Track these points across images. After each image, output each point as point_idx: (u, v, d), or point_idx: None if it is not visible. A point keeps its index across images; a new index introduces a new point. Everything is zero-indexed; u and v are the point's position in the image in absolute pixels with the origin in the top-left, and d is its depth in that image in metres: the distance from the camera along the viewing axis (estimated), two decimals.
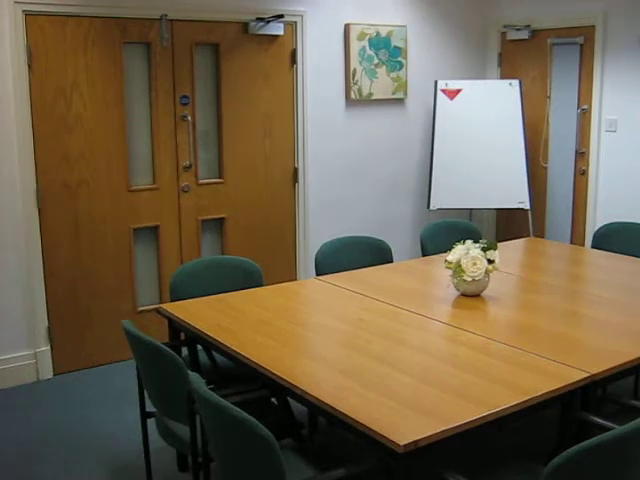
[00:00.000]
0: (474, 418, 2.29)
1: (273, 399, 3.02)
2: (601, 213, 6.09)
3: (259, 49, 5.49)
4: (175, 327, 3.42)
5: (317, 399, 2.44)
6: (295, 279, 5.76)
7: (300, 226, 5.86)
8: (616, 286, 3.82)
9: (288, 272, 5.83)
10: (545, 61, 6.39)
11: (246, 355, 2.84)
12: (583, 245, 6.11)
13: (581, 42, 6.06)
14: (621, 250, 4.68)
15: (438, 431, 2.20)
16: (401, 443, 2.12)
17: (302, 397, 2.53)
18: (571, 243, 6.31)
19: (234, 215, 5.56)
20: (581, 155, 6.23)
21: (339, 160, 6.02)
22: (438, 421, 2.25)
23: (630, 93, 5.77)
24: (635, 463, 2.12)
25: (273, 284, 3.89)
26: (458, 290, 3.62)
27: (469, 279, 3.52)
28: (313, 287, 3.84)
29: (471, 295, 3.61)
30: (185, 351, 3.51)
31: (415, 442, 2.14)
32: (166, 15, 5.03)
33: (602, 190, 6.08)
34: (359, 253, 4.40)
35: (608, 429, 2.44)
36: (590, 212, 6.17)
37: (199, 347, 3.44)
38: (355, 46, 5.85)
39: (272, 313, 3.35)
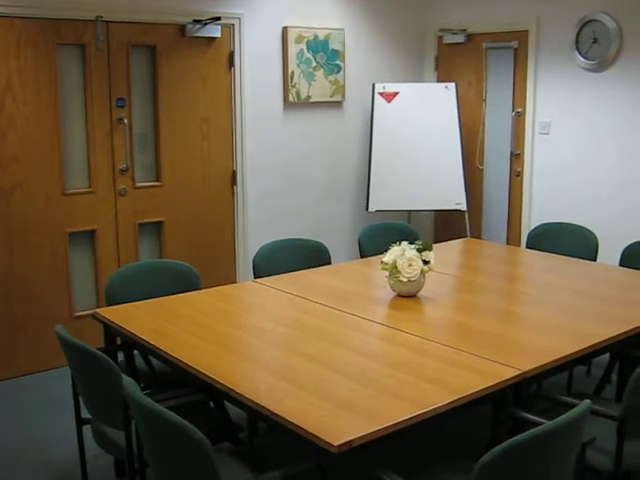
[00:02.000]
0: (408, 417, 2.31)
1: (211, 403, 3.01)
2: (535, 214, 6.22)
3: (196, 51, 5.46)
4: (111, 332, 3.38)
5: (253, 402, 2.45)
6: (235, 282, 5.75)
7: (239, 229, 5.85)
8: (549, 285, 3.90)
9: (227, 275, 5.81)
10: (480, 65, 6.50)
11: (182, 359, 2.82)
12: (519, 245, 6.23)
13: (515, 46, 6.18)
14: (554, 250, 4.79)
15: (372, 431, 2.22)
16: (335, 443, 2.13)
17: (238, 400, 2.53)
18: (507, 243, 6.43)
19: (172, 218, 5.52)
20: (516, 157, 6.35)
21: (278, 163, 6.03)
22: (372, 421, 2.28)
23: (562, 96, 5.91)
24: (561, 457, 2.18)
25: (212, 287, 3.87)
26: (394, 291, 3.66)
27: (405, 280, 3.56)
28: (251, 290, 3.84)
29: (407, 296, 3.65)
30: (122, 356, 3.48)
31: (349, 442, 2.16)
32: (101, 16, 4.97)
33: (536, 191, 6.21)
34: (297, 255, 4.41)
35: (539, 425, 2.50)
36: (525, 213, 6.30)
37: (136, 352, 3.41)
38: (293, 49, 5.87)
39: (209, 316, 3.34)
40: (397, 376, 2.65)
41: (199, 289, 3.85)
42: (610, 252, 4.87)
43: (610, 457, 2.71)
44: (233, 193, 5.82)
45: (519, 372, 2.70)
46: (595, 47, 5.60)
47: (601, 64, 5.58)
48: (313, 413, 2.33)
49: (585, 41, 5.66)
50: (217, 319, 3.30)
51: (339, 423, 2.27)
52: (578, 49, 5.70)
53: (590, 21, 5.61)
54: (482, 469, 1.98)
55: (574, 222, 5.02)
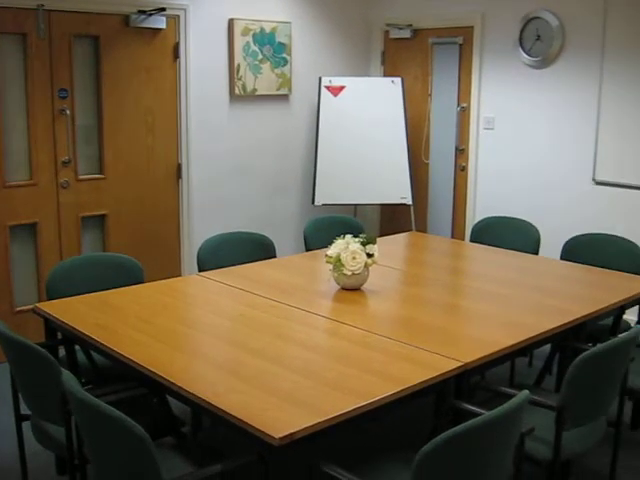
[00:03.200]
0: (350, 409, 2.32)
1: (154, 398, 2.98)
2: (480, 208, 6.29)
3: (141, 42, 5.39)
4: (51, 327, 3.32)
5: (195, 396, 2.43)
6: (180, 276, 5.70)
7: (184, 222, 5.80)
8: (492, 278, 3.95)
9: (172, 269, 5.76)
10: (426, 60, 6.55)
11: (124, 354, 2.79)
12: (463, 239, 6.30)
13: (460, 42, 6.24)
14: (497, 243, 4.85)
15: (314, 423, 2.22)
16: (276, 436, 2.13)
17: (180, 394, 2.51)
18: (452, 237, 6.49)
19: (116, 211, 5.45)
20: (461, 152, 6.41)
21: (224, 156, 5.99)
22: (314, 413, 2.28)
23: (507, 92, 5.99)
24: (500, 447, 2.21)
25: (156, 281, 3.83)
26: (338, 284, 3.67)
27: (349, 273, 3.57)
28: (195, 283, 3.81)
29: (351, 289, 3.66)
30: (63, 351, 3.42)
31: (291, 435, 2.16)
32: (43, 5, 4.87)
33: (480, 185, 6.29)
34: (242, 249, 4.39)
35: (479, 415, 2.53)
36: (469, 207, 6.37)
37: (77, 347, 3.36)
38: (239, 41, 5.83)
39: (152, 310, 3.30)
40: (340, 369, 2.65)
41: (143, 283, 3.81)
42: (552, 246, 4.95)
43: (549, 447, 2.76)
44: (178, 186, 5.76)
45: (460, 364, 2.73)
46: (538, 44, 5.68)
47: (544, 61, 5.67)
48: (255, 406, 2.33)
49: (529, 38, 5.74)
50: (161, 313, 3.27)
51: (281, 416, 2.27)
52: (522, 46, 5.78)
53: (534, 18, 5.69)
54: (423, 459, 2.00)
55: (517, 216, 5.09)
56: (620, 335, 2.81)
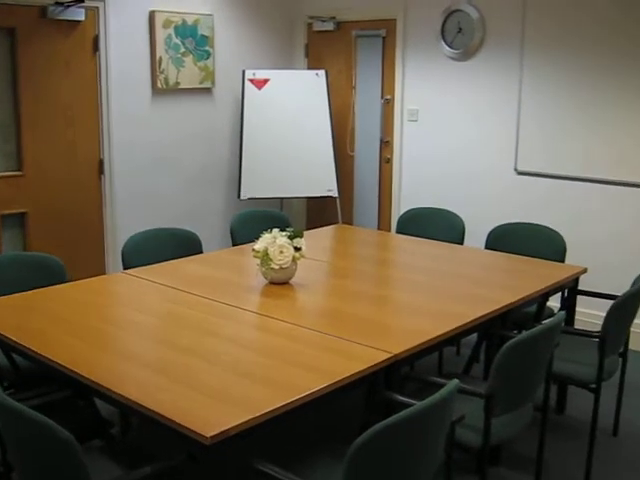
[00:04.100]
0: (281, 404, 2.31)
1: (80, 400, 2.91)
2: (405, 199, 6.35)
3: (59, 35, 5.25)
4: None
5: (123, 397, 2.37)
6: (104, 274, 5.58)
7: (107, 219, 5.68)
8: (418, 269, 3.99)
9: (96, 267, 5.64)
10: (350, 52, 6.57)
11: (47, 355, 2.70)
12: (389, 230, 6.35)
13: (383, 35, 6.28)
14: (423, 234, 4.90)
15: (245, 420, 2.19)
16: (208, 435, 2.10)
17: (107, 396, 2.45)
18: (378, 229, 6.54)
19: (36, 209, 5.30)
20: (386, 144, 6.45)
21: (147, 150, 5.89)
22: (245, 410, 2.25)
23: (430, 84, 6.05)
24: (431, 436, 2.23)
25: (80, 280, 3.73)
26: (266, 278, 3.65)
27: (277, 267, 3.55)
28: (120, 281, 3.73)
29: (279, 283, 3.64)
30: None
31: (222, 432, 2.13)
32: None
33: (405, 177, 6.34)
34: (168, 245, 4.32)
35: (409, 406, 2.54)
36: (395, 198, 6.42)
37: None
38: (161, 34, 5.73)
39: (76, 310, 3.22)
40: (270, 364, 2.63)
41: (66, 282, 3.71)
42: (476, 235, 5.03)
43: (479, 433, 2.79)
44: (100, 182, 5.64)
45: (390, 355, 2.74)
46: (460, 37, 5.75)
47: (466, 53, 5.75)
48: (186, 405, 2.29)
49: (450, 30, 5.81)
50: (85, 313, 3.19)
51: (212, 414, 2.23)
52: (444, 38, 5.84)
53: (455, 11, 5.76)
54: (355, 452, 2.00)
55: (442, 207, 5.16)
56: (545, 321, 2.87)
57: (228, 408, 2.28)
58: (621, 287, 4.29)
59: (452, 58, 5.85)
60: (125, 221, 5.77)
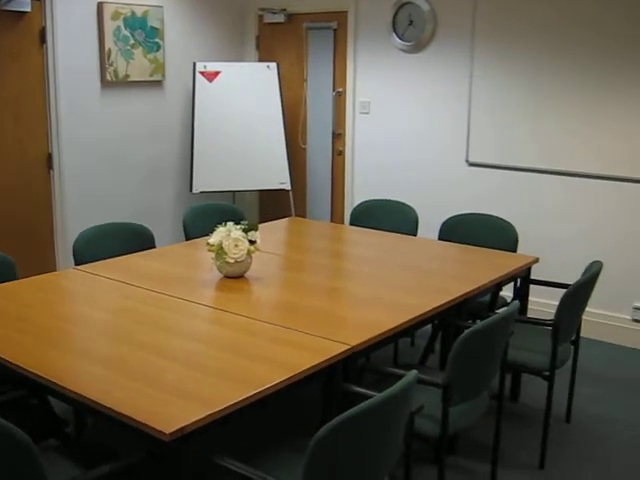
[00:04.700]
0: (240, 399, 2.29)
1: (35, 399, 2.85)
2: (358, 192, 6.36)
3: (4, 27, 5.13)
4: None
5: (79, 395, 2.33)
6: (55, 270, 5.49)
7: (57, 214, 5.58)
8: (373, 261, 4.00)
9: (46, 264, 5.54)
10: (301, 45, 6.54)
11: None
12: (343, 222, 6.35)
13: (335, 27, 6.27)
14: (377, 226, 4.92)
15: (204, 415, 2.17)
16: (167, 431, 2.07)
17: (63, 394, 2.40)
18: (331, 221, 6.54)
19: None
20: (338, 136, 6.46)
21: (97, 144, 5.80)
22: (203, 405, 2.23)
23: (381, 76, 6.06)
24: (392, 427, 2.23)
25: (30, 277, 3.65)
26: (221, 272, 3.62)
27: (231, 261, 3.52)
28: (72, 278, 3.67)
29: (234, 277, 3.62)
30: None
31: (181, 429, 2.10)
32: None
33: (358, 170, 6.35)
34: (120, 240, 4.26)
35: (368, 397, 2.55)
36: (348, 191, 6.43)
37: None
38: (109, 26, 5.64)
39: (28, 307, 3.15)
40: (227, 358, 2.61)
41: (15, 279, 3.63)
42: (429, 227, 5.06)
43: (437, 423, 2.81)
44: (49, 176, 5.53)
45: (347, 347, 2.74)
46: (411, 29, 5.77)
47: (417, 45, 5.77)
48: (143, 402, 2.26)
49: (402, 23, 5.82)
50: (37, 310, 3.12)
51: (170, 410, 2.20)
52: (395, 31, 5.86)
53: (406, 3, 5.77)
54: (316, 444, 1.99)
55: (395, 199, 5.18)
56: (500, 311, 2.89)
57: (186, 404, 2.25)
58: (571, 276, 4.36)
59: (403, 50, 5.87)
60: (76, 217, 5.67)
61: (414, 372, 2.27)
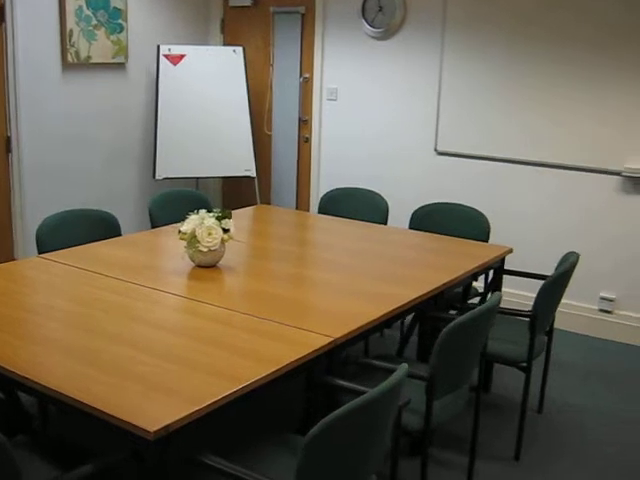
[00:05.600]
0: (225, 394, 2.19)
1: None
2: (324, 179, 6.28)
3: None
4: None
5: (54, 391, 2.20)
6: (13, 259, 5.30)
7: (15, 200, 5.38)
8: (347, 250, 3.92)
9: (4, 251, 5.35)
10: (268, 29, 6.42)
11: None
12: (308, 210, 6.27)
13: (302, 12, 6.16)
14: (345, 214, 4.84)
15: (189, 412, 2.07)
16: (151, 429, 1.96)
17: (34, 390, 2.28)
18: (297, 209, 6.45)
19: None
20: (304, 123, 6.36)
21: (58, 127, 5.61)
22: (188, 401, 2.13)
23: (349, 63, 5.97)
24: (384, 421, 2.16)
25: None
26: (193, 261, 3.50)
27: (205, 249, 3.41)
28: (36, 266, 3.52)
29: (207, 266, 3.51)
30: None
31: (166, 427, 2.00)
32: None
33: (324, 157, 6.26)
34: (85, 227, 4.11)
35: (354, 391, 2.48)
36: (314, 178, 6.34)
37: None
38: (71, 5, 5.44)
39: None
40: (207, 351, 2.51)
41: None
42: (397, 216, 5.00)
43: (420, 417, 2.75)
44: (8, 161, 5.34)
45: (331, 339, 2.66)
46: (380, 15, 5.69)
47: (387, 32, 5.70)
48: (123, 398, 2.14)
49: (371, 9, 5.74)
50: (1, 300, 2.98)
51: (152, 407, 2.10)
52: (365, 17, 5.77)
53: None
54: (311, 442, 1.91)
55: (362, 187, 5.10)
56: (487, 302, 2.84)
57: (168, 400, 2.15)
58: (541, 267, 4.35)
59: (373, 37, 5.79)
60: (35, 203, 5.48)
61: (405, 366, 2.20)
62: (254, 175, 6.18)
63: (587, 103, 4.97)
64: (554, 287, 3.44)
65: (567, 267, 3.44)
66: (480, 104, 5.38)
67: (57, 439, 2.56)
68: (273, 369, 2.39)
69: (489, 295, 4.22)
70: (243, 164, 6.15)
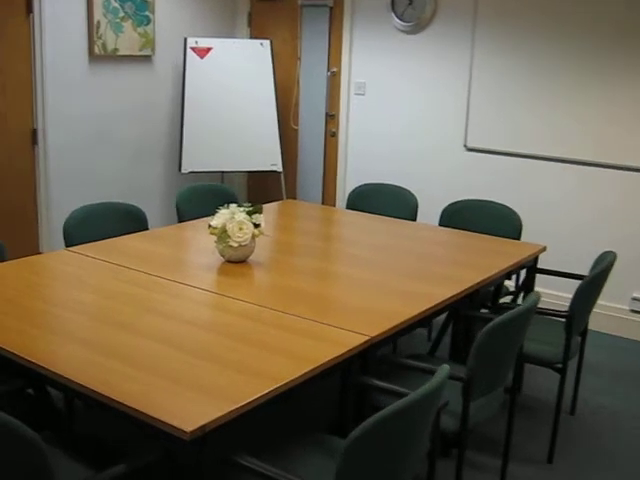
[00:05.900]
0: (262, 394, 2.13)
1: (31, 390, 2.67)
2: (351, 174, 6.20)
3: None
4: None
5: (85, 387, 2.15)
6: (38, 252, 5.28)
7: (41, 193, 5.36)
8: (380, 247, 3.84)
9: (29, 245, 5.32)
10: (295, 22, 6.36)
11: None
12: (334, 205, 6.20)
13: (331, 5, 6.08)
14: (374, 210, 4.77)
15: (226, 412, 2.01)
16: (187, 429, 1.91)
17: (65, 385, 2.23)
18: (322, 204, 6.38)
19: None
20: (331, 117, 6.29)
21: (84, 120, 5.58)
22: (224, 401, 2.07)
23: (378, 57, 5.89)
24: (424, 424, 2.10)
25: (13, 259, 3.44)
26: (223, 256, 3.45)
27: (235, 245, 3.36)
28: (64, 259, 3.47)
29: (237, 261, 3.46)
30: None
31: (202, 427, 1.94)
32: None
33: (352, 152, 6.19)
34: (112, 221, 4.07)
35: (392, 392, 2.42)
36: (340, 173, 6.27)
37: None
38: None
39: (17, 291, 2.95)
40: (241, 349, 2.45)
41: (3, 261, 3.43)
42: (426, 212, 4.93)
43: (456, 418, 2.69)
44: (34, 153, 5.31)
45: (367, 338, 2.59)
46: (410, 9, 5.61)
47: (416, 26, 5.61)
48: (157, 396, 2.09)
49: (401, 3, 5.65)
50: (27, 293, 2.93)
51: (187, 406, 2.04)
52: (394, 10, 5.69)
53: None
54: (352, 444, 1.85)
55: (390, 182, 5.03)
56: (525, 301, 2.77)
57: (204, 399, 2.09)
58: (570, 265, 4.26)
59: (402, 31, 5.70)
60: (60, 195, 5.45)
61: (446, 367, 2.13)
62: (280, 170, 6.13)
63: (624, 101, 4.86)
64: (591, 287, 3.36)
65: (604, 266, 3.36)
66: (512, 99, 5.28)
67: (85, 436, 2.51)
68: (309, 368, 2.32)
69: (521, 294, 4.14)
70: (269, 158, 6.09)
